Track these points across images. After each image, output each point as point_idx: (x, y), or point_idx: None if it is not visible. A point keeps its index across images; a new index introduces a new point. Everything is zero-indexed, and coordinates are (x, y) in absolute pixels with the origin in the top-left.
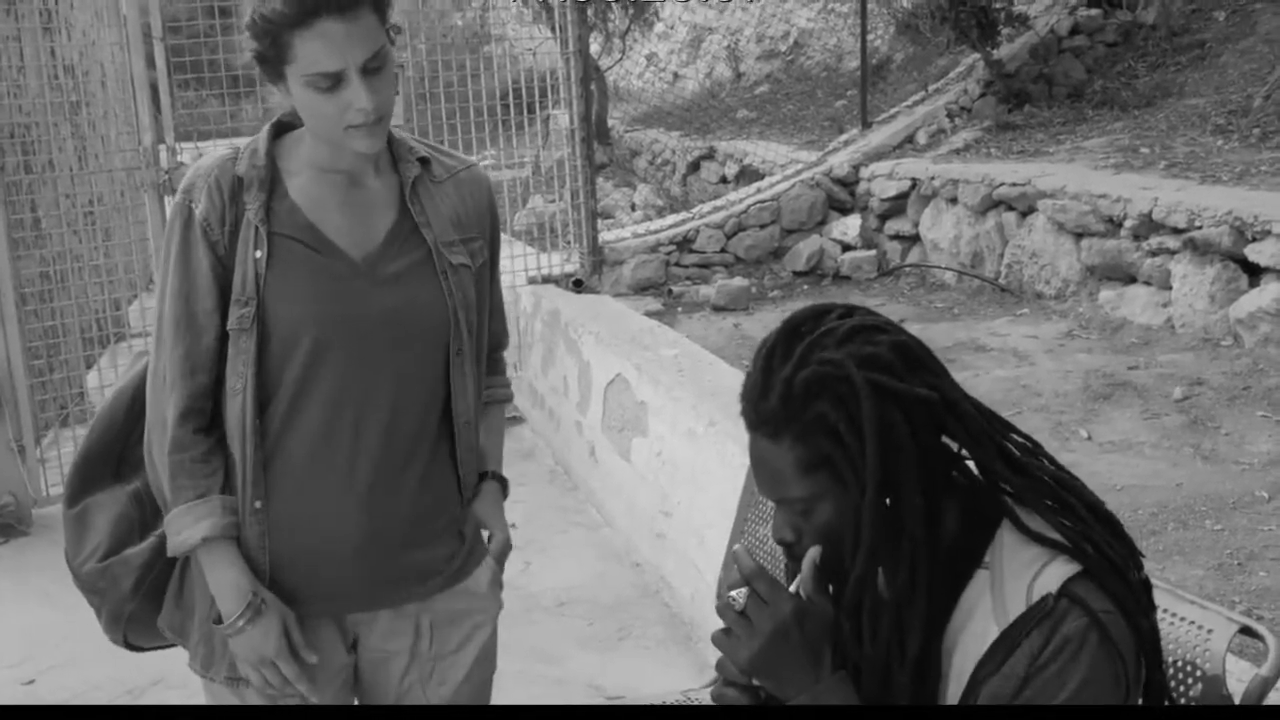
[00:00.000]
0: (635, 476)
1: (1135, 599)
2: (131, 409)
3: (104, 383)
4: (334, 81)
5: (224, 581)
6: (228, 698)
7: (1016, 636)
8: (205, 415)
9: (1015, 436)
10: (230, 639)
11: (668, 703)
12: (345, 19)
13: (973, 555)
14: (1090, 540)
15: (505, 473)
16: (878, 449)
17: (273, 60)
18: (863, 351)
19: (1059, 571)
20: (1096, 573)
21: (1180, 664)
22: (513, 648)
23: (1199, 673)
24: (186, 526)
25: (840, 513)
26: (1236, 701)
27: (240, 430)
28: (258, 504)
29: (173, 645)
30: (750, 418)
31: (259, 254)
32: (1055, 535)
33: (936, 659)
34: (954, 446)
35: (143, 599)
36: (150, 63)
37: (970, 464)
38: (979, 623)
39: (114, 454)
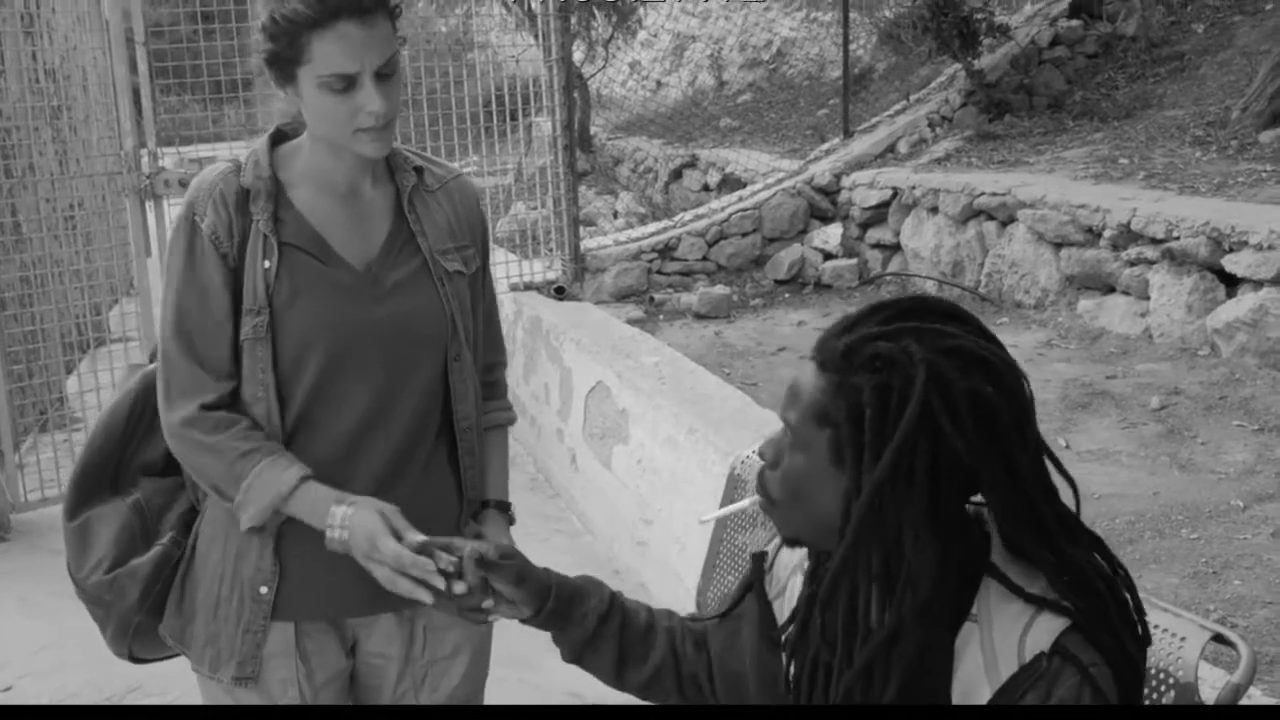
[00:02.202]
0: (616, 484)
1: (1125, 654)
2: (129, 421)
3: (84, 388)
4: (348, 84)
5: (324, 501)
6: (225, 701)
7: (1011, 698)
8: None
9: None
10: (350, 546)
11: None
12: (364, 23)
13: (962, 605)
14: (1096, 610)
15: None
16: (890, 464)
17: (286, 61)
18: (944, 373)
19: (1049, 626)
20: (1085, 625)
21: (1154, 672)
22: (492, 654)
23: (1172, 680)
24: (275, 477)
25: (810, 477)
26: None
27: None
28: None
29: (175, 656)
30: (818, 343)
31: (268, 264)
32: (1041, 587)
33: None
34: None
35: (149, 610)
36: (132, 67)
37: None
38: (970, 674)
39: (111, 466)
